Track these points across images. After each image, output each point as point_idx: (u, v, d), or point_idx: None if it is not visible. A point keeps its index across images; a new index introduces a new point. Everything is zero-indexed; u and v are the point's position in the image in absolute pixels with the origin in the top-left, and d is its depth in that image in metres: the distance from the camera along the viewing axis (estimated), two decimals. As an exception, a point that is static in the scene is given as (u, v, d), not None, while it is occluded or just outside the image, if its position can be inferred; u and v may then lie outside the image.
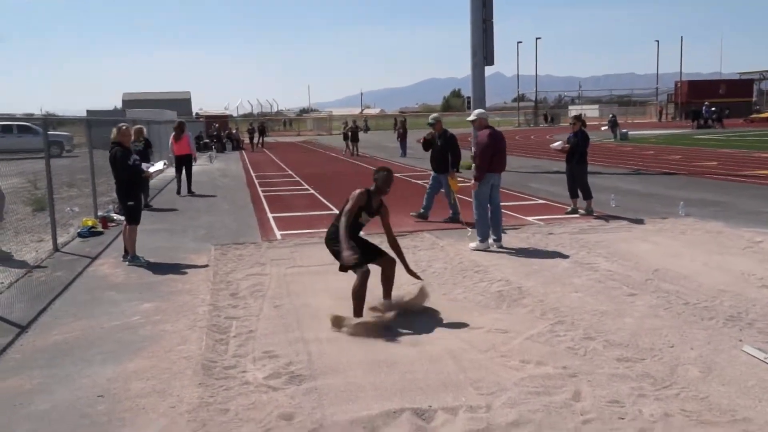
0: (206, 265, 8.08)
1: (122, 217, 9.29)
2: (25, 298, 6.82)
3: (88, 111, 35.17)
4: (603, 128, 36.90)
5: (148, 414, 4.09)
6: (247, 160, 29.45)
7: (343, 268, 5.71)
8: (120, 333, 5.65)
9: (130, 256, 8.36)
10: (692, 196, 12.69)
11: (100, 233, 10.60)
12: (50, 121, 14.73)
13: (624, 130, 37.79)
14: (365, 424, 3.83)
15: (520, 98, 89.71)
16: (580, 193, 11.15)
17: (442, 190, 10.82)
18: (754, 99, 69.37)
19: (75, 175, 15.33)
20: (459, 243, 8.91)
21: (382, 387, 4.32)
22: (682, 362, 4.61)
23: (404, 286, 6.25)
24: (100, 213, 11.68)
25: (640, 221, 10.32)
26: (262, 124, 48.26)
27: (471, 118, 9.17)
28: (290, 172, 22.21)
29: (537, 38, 73.04)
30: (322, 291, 6.63)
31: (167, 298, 6.72)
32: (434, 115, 11.83)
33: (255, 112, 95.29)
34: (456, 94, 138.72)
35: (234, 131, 46.30)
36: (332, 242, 5.71)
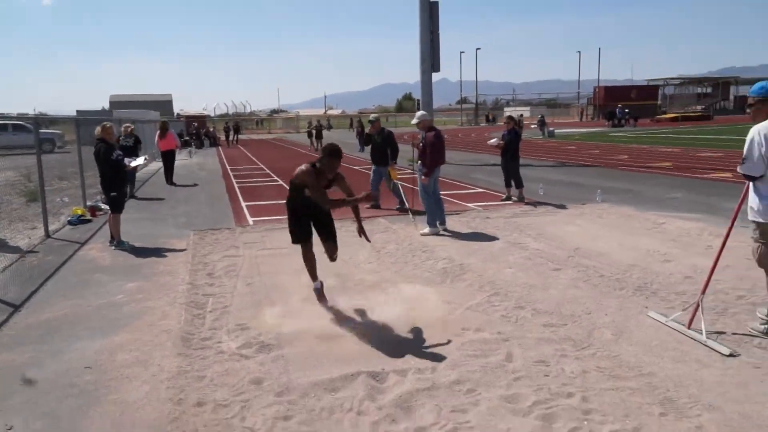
0: (185, 249, 7.91)
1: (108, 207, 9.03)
2: (19, 281, 6.57)
3: (77, 111, 34.04)
4: (533, 126, 37.36)
5: (131, 382, 3.98)
6: (223, 156, 28.91)
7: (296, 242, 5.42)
8: (106, 310, 5.49)
9: (116, 241, 8.12)
10: (607, 185, 12.92)
11: (89, 221, 10.29)
12: (42, 120, 14.22)
13: (551, 129, 38.33)
14: (326, 386, 3.81)
15: (463, 101, 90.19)
16: (513, 183, 11.28)
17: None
18: (659, 102, 71.07)
19: (65, 168, 14.81)
20: (409, 227, 8.92)
21: (341, 354, 4.30)
22: (598, 326, 4.71)
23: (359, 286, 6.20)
24: (88, 203, 11.33)
25: (563, 207, 10.48)
26: (236, 123, 47.40)
27: (414, 121, 8.81)
28: (262, 166, 21.88)
29: (477, 48, 73.33)
30: (289, 270, 6.55)
31: (150, 278, 6.55)
32: (374, 115, 11.90)
33: (230, 112, 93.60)
34: (408, 97, 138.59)
35: (211, 129, 45.34)
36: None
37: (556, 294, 5.56)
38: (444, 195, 9.38)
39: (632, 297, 5.41)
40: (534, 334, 4.58)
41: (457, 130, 56.69)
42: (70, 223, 10.00)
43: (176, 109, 67.84)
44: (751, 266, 5.22)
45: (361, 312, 5.20)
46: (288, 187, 5.56)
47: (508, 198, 11.34)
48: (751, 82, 67.80)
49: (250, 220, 10.12)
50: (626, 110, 49.23)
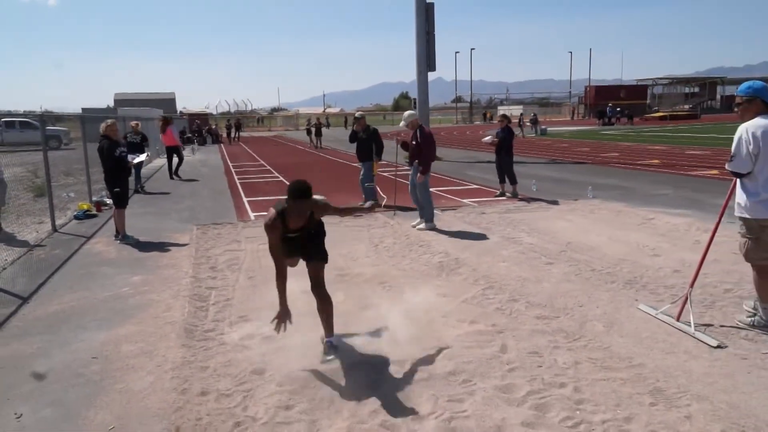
0: (188, 243, 7.88)
1: (113, 202, 9.02)
2: (27, 273, 6.55)
3: (83, 109, 33.94)
4: (527, 124, 37.36)
5: (137, 372, 3.97)
6: (225, 152, 28.80)
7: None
8: (112, 302, 5.47)
9: (121, 235, 8.09)
10: (598, 182, 12.93)
11: (95, 216, 10.25)
12: (48, 117, 14.17)
13: (543, 127, 38.30)
14: (326, 376, 3.80)
15: (458, 100, 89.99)
16: (507, 179, 11.27)
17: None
18: (648, 101, 71.05)
19: (71, 165, 14.76)
20: (406, 222, 8.91)
21: (340, 345, 4.29)
22: (590, 319, 4.71)
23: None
24: (94, 198, 11.30)
25: (556, 202, 10.48)
26: (238, 120, 47.18)
27: (402, 124, 8.60)
28: (263, 163, 21.81)
29: (472, 49, 73.32)
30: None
31: (154, 271, 6.53)
32: (359, 113, 11.84)
33: (232, 110, 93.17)
34: (404, 96, 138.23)
35: (213, 127, 45.29)
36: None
37: (549, 287, 5.56)
38: (440, 191, 9.40)
39: (623, 290, 5.40)
40: (527, 326, 4.58)
41: (452, 128, 56.61)
42: (76, 217, 9.96)
43: (179, 107, 67.46)
44: (738, 260, 5.23)
45: (358, 305, 5.18)
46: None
47: (502, 194, 11.33)
48: (737, 82, 67.93)
49: (252, 215, 10.09)
50: (620, 109, 49.19)
